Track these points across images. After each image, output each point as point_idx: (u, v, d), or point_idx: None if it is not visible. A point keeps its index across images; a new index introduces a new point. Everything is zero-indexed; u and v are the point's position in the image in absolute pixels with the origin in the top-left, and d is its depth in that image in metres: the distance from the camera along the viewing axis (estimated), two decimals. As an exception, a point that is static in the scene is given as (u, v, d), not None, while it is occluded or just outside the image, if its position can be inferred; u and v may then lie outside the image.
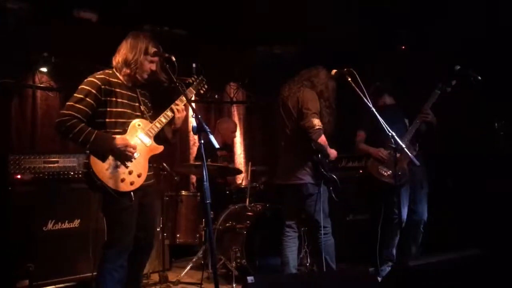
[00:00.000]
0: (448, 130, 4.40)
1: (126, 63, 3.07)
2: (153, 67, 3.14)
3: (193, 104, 3.29)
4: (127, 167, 2.98)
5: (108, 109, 3.01)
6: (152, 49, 3.09)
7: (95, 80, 3.00)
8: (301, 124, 3.60)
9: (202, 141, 2.71)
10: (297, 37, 5.64)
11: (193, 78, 3.45)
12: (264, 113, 6.69)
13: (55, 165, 4.11)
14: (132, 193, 2.98)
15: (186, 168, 5.16)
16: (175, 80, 2.97)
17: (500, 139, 3.95)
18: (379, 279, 3.30)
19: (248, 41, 5.76)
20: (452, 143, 4.64)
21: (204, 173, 2.63)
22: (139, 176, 3.02)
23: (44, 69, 5.17)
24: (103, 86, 2.99)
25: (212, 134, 2.71)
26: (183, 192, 4.98)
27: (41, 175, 4.02)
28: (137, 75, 3.11)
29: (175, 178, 4.90)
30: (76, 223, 4.09)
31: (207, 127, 2.70)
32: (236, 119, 6.71)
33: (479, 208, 4.31)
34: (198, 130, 2.70)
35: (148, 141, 3.12)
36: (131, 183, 2.98)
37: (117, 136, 2.98)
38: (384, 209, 4.18)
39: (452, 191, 4.65)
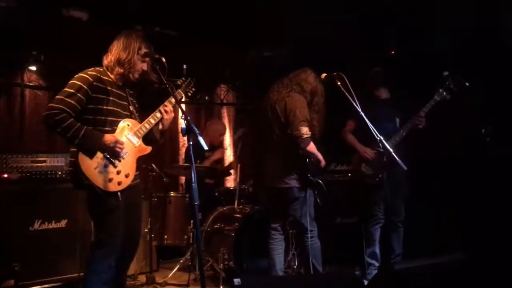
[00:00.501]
0: (435, 134, 4.44)
1: (120, 62, 3.05)
2: (145, 67, 3.13)
3: (183, 106, 3.28)
4: (115, 166, 2.96)
5: (99, 106, 2.98)
6: (144, 49, 3.08)
7: (87, 76, 2.96)
8: (289, 133, 3.59)
9: (191, 143, 2.71)
10: (287, 40, 5.66)
11: (181, 80, 3.44)
12: (254, 115, 6.70)
13: (43, 164, 4.09)
14: (119, 193, 2.97)
15: (175, 169, 5.16)
16: (165, 81, 2.98)
17: (486, 145, 3.99)
18: (365, 282, 3.33)
19: (239, 43, 5.76)
20: (439, 147, 4.68)
21: (193, 175, 2.63)
22: (126, 176, 3.02)
23: (33, 68, 5.13)
24: (94, 83, 2.96)
25: (201, 135, 2.72)
26: (172, 193, 4.96)
27: (28, 174, 4.00)
28: (130, 75, 3.10)
29: (164, 179, 4.89)
30: (63, 223, 4.07)
31: (196, 129, 2.70)
32: (226, 120, 6.72)
33: (465, 212, 4.35)
34: (187, 132, 2.70)
35: (137, 141, 3.11)
36: (119, 183, 2.97)
37: (106, 134, 2.96)
38: (366, 208, 4.25)
39: (438, 195, 4.69)
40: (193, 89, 3.51)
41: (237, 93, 6.79)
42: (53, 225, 4.03)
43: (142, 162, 4.96)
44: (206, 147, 2.69)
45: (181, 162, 5.96)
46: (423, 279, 2.85)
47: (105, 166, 2.93)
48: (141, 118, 3.21)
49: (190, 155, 2.67)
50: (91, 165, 2.89)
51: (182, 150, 6.26)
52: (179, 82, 3.43)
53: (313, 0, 4.68)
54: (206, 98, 6.54)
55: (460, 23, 4.43)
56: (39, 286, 3.92)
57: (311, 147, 3.59)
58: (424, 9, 4.61)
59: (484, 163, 4.13)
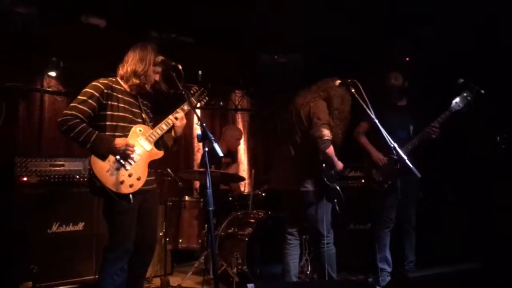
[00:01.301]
0: (450, 142, 4.42)
1: (136, 74, 3.17)
2: (157, 77, 3.25)
3: (198, 112, 3.33)
4: (126, 169, 3.04)
5: (109, 112, 3.10)
6: (158, 60, 3.19)
7: (99, 84, 3.11)
8: (311, 133, 3.63)
9: (206, 149, 2.76)
10: (302, 46, 5.69)
11: (194, 89, 3.52)
12: (268, 121, 6.73)
13: (61, 168, 4.16)
14: (131, 195, 3.03)
15: (190, 174, 5.20)
16: (181, 88, 3.03)
17: (501, 153, 3.97)
18: (379, 289, 3.34)
19: (254, 49, 5.81)
20: (454, 156, 4.66)
21: (208, 181, 2.67)
22: (138, 179, 3.08)
23: (52, 74, 5.23)
24: (105, 90, 3.09)
25: (217, 141, 2.76)
26: (187, 198, 5.00)
27: (47, 178, 4.08)
28: (145, 85, 3.22)
29: (179, 183, 4.94)
30: (80, 226, 4.14)
31: (211, 135, 2.74)
32: (240, 126, 6.76)
33: (478, 221, 4.32)
34: (203, 138, 2.74)
35: (149, 146, 3.19)
36: (130, 186, 3.04)
37: (117, 138, 3.06)
38: (377, 213, 4.28)
39: (452, 203, 4.67)
40: (206, 98, 3.60)
41: (252, 99, 6.82)
42: (70, 228, 4.09)
43: (157, 166, 5.04)
44: (221, 154, 2.73)
45: (195, 167, 6.00)
46: (436, 287, 2.85)
47: (117, 169, 3.01)
48: (155, 126, 3.28)
49: (206, 161, 2.71)
50: (103, 168, 2.99)
51: (197, 155, 6.31)
52: (192, 91, 3.50)
53: (327, 6, 4.71)
54: (221, 103, 6.60)
55: (473, 27, 4.41)
56: (56, 288, 3.99)
57: (330, 150, 3.62)
58: (438, 13, 4.61)
59: (499, 171, 4.10)
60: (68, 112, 3.00)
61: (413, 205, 4.34)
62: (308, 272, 4.55)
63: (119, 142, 3.02)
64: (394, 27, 4.97)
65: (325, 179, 3.64)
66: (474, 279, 2.91)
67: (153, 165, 3.27)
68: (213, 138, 2.75)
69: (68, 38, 4.89)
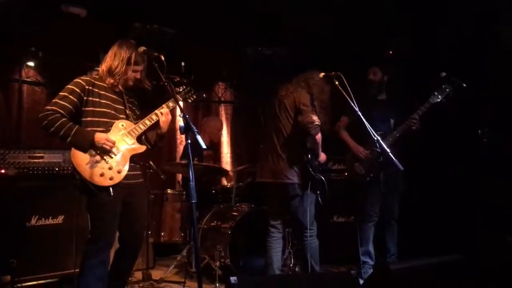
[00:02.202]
0: (432, 135, 4.46)
1: (110, 72, 3.18)
2: (138, 75, 3.23)
3: (181, 103, 3.29)
4: (107, 162, 3.04)
5: (91, 108, 3.11)
6: (136, 58, 3.16)
7: (80, 81, 3.12)
8: (300, 120, 3.64)
9: (189, 141, 2.72)
10: (286, 39, 5.67)
11: (182, 87, 3.54)
12: (251, 114, 6.70)
13: (40, 160, 4.08)
14: (111, 188, 3.02)
15: (172, 167, 5.16)
16: (164, 79, 2.98)
17: (483, 146, 4.02)
18: (361, 281, 3.35)
19: (237, 41, 5.77)
20: (435, 148, 4.71)
21: (190, 173, 2.64)
22: (119, 172, 3.07)
23: (31, 64, 5.14)
24: (87, 87, 3.11)
25: (199, 133, 2.73)
26: (169, 191, 4.98)
27: (25, 170, 3.99)
28: (120, 85, 3.21)
29: (161, 176, 4.90)
30: (60, 219, 4.07)
31: (194, 127, 2.71)
32: (223, 118, 6.73)
33: (460, 213, 4.38)
34: (185, 130, 2.71)
35: (130, 141, 3.18)
36: (111, 178, 3.03)
37: (98, 132, 3.05)
38: (360, 206, 4.32)
39: (434, 196, 4.72)
40: (194, 96, 3.60)
41: (235, 91, 6.79)
42: (50, 221, 4.02)
43: (139, 159, 4.99)
44: (204, 146, 2.69)
45: (178, 160, 5.96)
46: (418, 279, 2.87)
47: (97, 162, 3.02)
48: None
49: (188, 153, 2.68)
50: (84, 160, 3.00)
51: (180, 148, 6.27)
52: (180, 89, 3.52)
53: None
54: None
55: (459, 23, 4.44)
56: (36, 282, 3.92)
57: (319, 136, 3.65)
58: (423, 8, 4.63)
59: (481, 164, 4.15)
60: (49, 107, 3.02)
61: (396, 198, 4.38)
62: (291, 265, 4.57)
63: (99, 136, 3.02)
64: (380, 21, 4.98)
65: (311, 169, 3.64)
66: (455, 271, 2.94)
67: (133, 159, 3.23)
68: (196, 130, 2.71)
69: (47, 27, 4.79)
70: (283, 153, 3.75)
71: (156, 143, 3.39)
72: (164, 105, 3.29)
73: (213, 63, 6.06)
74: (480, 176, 4.20)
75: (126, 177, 3.11)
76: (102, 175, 3.00)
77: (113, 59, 3.16)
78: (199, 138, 2.67)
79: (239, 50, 6.02)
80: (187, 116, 2.75)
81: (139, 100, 3.42)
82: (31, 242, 3.90)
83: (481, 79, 4.16)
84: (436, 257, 3.04)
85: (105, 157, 3.04)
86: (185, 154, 5.21)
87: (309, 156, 3.67)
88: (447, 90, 4.03)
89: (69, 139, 2.97)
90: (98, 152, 3.02)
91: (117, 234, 3.23)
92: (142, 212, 3.34)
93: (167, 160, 5.98)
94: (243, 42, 5.86)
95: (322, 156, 3.81)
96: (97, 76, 3.21)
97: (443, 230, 4.45)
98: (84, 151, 3.00)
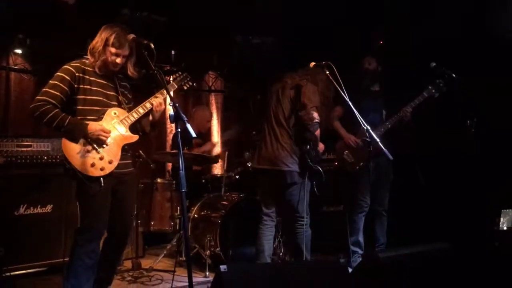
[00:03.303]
0: (421, 127, 4.49)
1: (91, 51, 3.10)
2: (118, 60, 3.10)
3: (171, 93, 3.26)
4: (98, 152, 3.00)
5: (82, 96, 3.05)
6: (114, 40, 3.04)
7: (70, 68, 3.05)
8: (301, 115, 3.64)
9: (179, 130, 2.71)
10: (276, 28, 5.65)
11: (177, 74, 3.48)
12: (241, 103, 6.69)
13: (29, 149, 4.05)
14: (102, 178, 2.99)
15: (162, 156, 5.14)
16: (153, 67, 2.96)
17: (471, 137, 4.05)
18: (350, 269, 3.38)
19: (228, 30, 5.73)
20: (424, 139, 4.73)
21: (180, 162, 2.63)
22: (110, 162, 3.04)
23: (18, 51, 5.07)
24: (77, 74, 3.04)
25: (189, 122, 2.72)
26: (159, 180, 4.96)
27: (13, 159, 3.96)
28: (97, 67, 3.11)
29: (151, 165, 4.88)
30: (49, 208, 4.05)
31: (184, 116, 2.70)
32: (213, 108, 6.71)
33: (448, 203, 4.42)
34: (175, 119, 2.70)
35: (123, 130, 3.14)
36: (101, 169, 3.00)
37: (91, 122, 3.01)
38: (350, 196, 4.35)
39: (423, 186, 4.76)
40: (190, 83, 3.54)
41: (225, 81, 6.76)
42: (38, 210, 4.00)
43: (128, 148, 4.95)
44: (194, 134, 2.69)
45: (168, 149, 5.94)
46: (406, 267, 2.91)
47: (88, 151, 2.98)
48: (134, 107, 3.21)
49: (178, 142, 2.67)
50: (74, 150, 2.96)
51: (169, 137, 6.24)
52: (175, 76, 3.48)
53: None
54: (194, 84, 6.48)
55: (450, 14, 4.45)
56: (24, 271, 3.91)
57: (318, 133, 3.66)
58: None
59: (469, 154, 4.19)
60: (40, 97, 2.96)
61: (386, 188, 4.41)
62: (281, 254, 4.59)
63: (93, 127, 2.98)
64: (370, 11, 4.97)
65: (309, 160, 3.66)
66: (443, 259, 2.98)
67: (124, 148, 3.21)
68: (186, 119, 2.70)
69: (35, 14, 4.71)
70: (282, 141, 3.74)
71: (149, 131, 3.36)
72: (158, 93, 3.24)
73: (203, 52, 6.02)
74: (468, 167, 4.24)
75: (118, 166, 3.09)
76: (93, 165, 2.97)
77: (96, 39, 3.09)
78: (189, 127, 2.66)
79: (230, 39, 5.99)
80: (177, 105, 2.73)
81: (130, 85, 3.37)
82: (19, 231, 3.88)
83: (469, 69, 4.18)
84: (424, 246, 3.08)
85: (96, 147, 3.00)
86: (175, 143, 5.19)
87: (308, 146, 3.68)
88: (441, 85, 4.05)
89: (62, 129, 2.94)
90: (90, 141, 2.98)
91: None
92: (130, 201, 3.33)
93: (156, 149, 5.95)
94: (234, 31, 5.83)
95: (321, 146, 3.82)
96: (86, 61, 3.13)
97: (431, 220, 4.49)
98: (76, 141, 2.96)
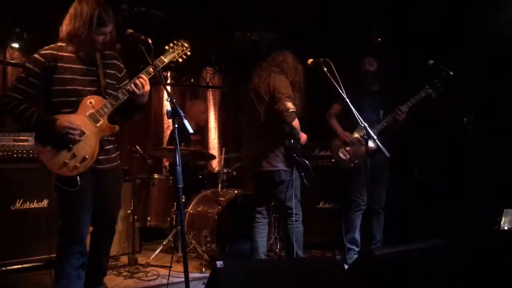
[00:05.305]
0: (418, 123, 4.49)
1: (70, 37, 2.77)
2: (105, 38, 2.82)
3: (168, 88, 3.22)
4: (70, 150, 2.78)
5: (57, 87, 2.81)
6: (99, 17, 2.71)
7: (39, 57, 2.79)
8: (275, 108, 3.62)
9: (176, 126, 2.70)
10: (275, 24, 5.64)
11: (171, 44, 3.06)
12: (239, 99, 6.67)
13: (25, 143, 4.03)
14: (78, 178, 2.79)
15: (159, 152, 5.14)
16: (151, 62, 2.91)
17: (468, 134, 4.06)
18: (346, 266, 3.39)
19: (226, 26, 5.72)
20: (422, 137, 4.74)
21: (177, 158, 2.63)
22: (83, 160, 2.80)
23: (15, 45, 5.04)
24: (47, 63, 2.78)
25: (186, 118, 2.70)
26: (156, 176, 4.95)
27: (10, 153, 3.94)
28: (83, 52, 2.84)
29: (148, 161, 4.87)
30: (45, 203, 4.04)
31: (181, 111, 2.67)
32: (211, 104, 6.71)
33: (445, 200, 4.43)
34: (173, 115, 2.67)
35: (99, 121, 2.86)
36: (74, 168, 2.78)
37: (59, 118, 2.77)
38: (347, 194, 4.36)
39: (418, 182, 4.77)
40: (188, 53, 3.10)
41: (223, 76, 6.75)
42: (34, 204, 3.99)
43: (126, 143, 4.95)
44: (191, 130, 2.67)
45: (165, 144, 5.93)
46: (402, 264, 2.92)
47: (59, 149, 2.77)
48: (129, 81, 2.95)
49: (175, 138, 2.66)
50: (46, 148, 2.78)
51: (167, 132, 6.24)
52: (166, 47, 3.04)
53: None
54: (192, 80, 6.50)
55: (446, 10, 4.45)
56: (20, 266, 3.90)
57: (296, 122, 3.64)
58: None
59: (466, 151, 4.20)
60: (8, 93, 2.80)
61: (383, 186, 4.41)
62: (277, 250, 4.60)
63: (60, 124, 2.73)
64: (369, 7, 4.97)
65: (294, 154, 3.65)
66: (439, 256, 2.99)
67: (121, 143, 3.16)
68: (183, 115, 2.68)
69: (32, 7, 4.68)
70: (264, 140, 3.74)
71: (132, 116, 3.07)
72: (142, 74, 2.87)
73: (201, 47, 5.99)
74: (465, 163, 4.24)
75: (98, 161, 2.88)
76: (64, 164, 2.75)
77: (74, 20, 2.73)
78: (186, 122, 2.63)
79: (228, 34, 5.98)
80: (174, 101, 2.69)
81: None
82: (15, 225, 3.87)
83: (466, 67, 4.18)
84: (420, 243, 3.09)
85: (68, 144, 2.76)
86: (172, 139, 5.18)
87: (291, 140, 3.67)
88: (438, 84, 4.05)
89: (30, 127, 2.77)
90: (61, 140, 2.75)
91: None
92: (115, 195, 3.13)
93: (153, 144, 5.95)
94: (232, 27, 5.81)
95: (303, 137, 3.80)
96: (62, 44, 2.82)
97: (428, 217, 4.50)
98: (44, 141, 2.77)
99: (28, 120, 2.75)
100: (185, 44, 3.09)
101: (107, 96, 2.90)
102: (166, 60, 3.01)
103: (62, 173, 2.79)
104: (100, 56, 2.94)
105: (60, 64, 2.80)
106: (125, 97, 2.88)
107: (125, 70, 3.09)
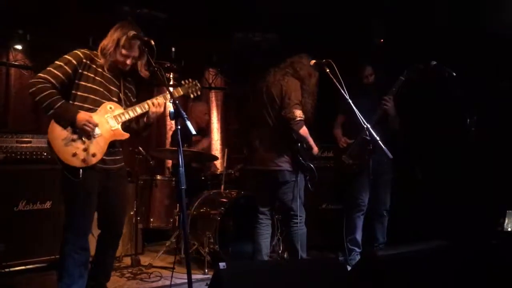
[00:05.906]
0: (421, 125, 4.48)
1: (102, 51, 3.08)
2: (128, 61, 3.11)
3: (171, 89, 3.24)
4: (84, 143, 2.96)
5: (83, 83, 3.02)
6: (124, 42, 3.03)
7: (79, 53, 3.04)
8: (283, 114, 3.63)
9: (179, 127, 2.71)
10: (277, 24, 5.64)
11: (186, 81, 3.42)
12: (242, 100, 6.67)
13: (28, 145, 4.04)
14: (81, 170, 2.93)
15: (161, 153, 5.15)
16: (154, 64, 2.94)
17: (471, 135, 4.05)
18: (349, 267, 3.39)
19: (228, 27, 5.72)
20: (425, 137, 4.73)
21: (180, 159, 2.63)
22: (93, 155, 2.98)
23: (18, 47, 5.05)
24: (84, 60, 3.02)
25: (189, 119, 2.71)
26: (158, 177, 4.96)
27: (13, 154, 3.95)
28: (106, 66, 3.09)
29: (151, 162, 4.88)
30: (48, 204, 4.05)
31: (184, 113, 2.69)
32: (213, 105, 6.71)
33: (448, 201, 4.42)
34: (175, 116, 2.69)
35: (114, 125, 3.08)
36: (83, 160, 2.94)
37: (82, 111, 2.97)
38: (349, 196, 4.35)
39: (421, 183, 4.76)
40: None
41: (226, 78, 6.75)
42: (37, 206, 4.00)
43: (128, 145, 4.96)
44: (194, 132, 2.69)
45: (167, 146, 5.94)
46: (405, 265, 2.91)
47: (73, 140, 2.94)
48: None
49: (178, 139, 2.67)
50: (60, 136, 2.93)
51: (169, 134, 6.24)
52: (183, 82, 3.41)
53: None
54: (199, 93, 6.48)
55: (448, 12, 4.45)
56: (23, 267, 3.90)
57: (304, 130, 3.64)
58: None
59: (469, 152, 4.19)
60: (41, 75, 2.93)
61: (388, 188, 4.40)
62: (280, 252, 4.60)
63: (82, 116, 2.93)
64: (370, 8, 4.96)
65: (300, 158, 3.66)
66: (442, 257, 2.99)
67: (124, 144, 3.20)
68: (186, 116, 2.69)
69: (35, 10, 4.70)
70: (272, 141, 3.75)
71: (141, 132, 3.31)
72: (159, 96, 3.19)
73: (203, 48, 6.01)
74: (468, 164, 4.24)
75: (103, 161, 3.05)
76: (74, 155, 2.92)
77: (108, 39, 3.08)
78: (188, 124, 2.65)
79: (230, 35, 5.98)
80: (176, 102, 2.71)
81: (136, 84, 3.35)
82: (19, 227, 3.88)
83: (469, 67, 4.17)
84: (423, 244, 3.08)
85: (83, 137, 2.95)
86: (174, 140, 5.19)
87: (299, 144, 3.67)
88: (420, 67, 4.05)
89: (51, 111, 2.88)
90: (77, 131, 2.94)
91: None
92: (121, 197, 3.27)
93: (156, 146, 5.95)
94: (233, 28, 5.82)
95: (315, 150, 3.79)
96: (97, 53, 3.12)
97: (431, 218, 4.49)
98: (64, 126, 2.93)
99: (53, 103, 2.88)
100: (198, 84, 3.47)
101: (124, 107, 3.16)
102: (181, 92, 3.37)
103: (71, 162, 2.92)
104: (123, 78, 3.22)
105: (94, 66, 3.06)
106: (142, 112, 3.15)
107: (136, 100, 3.33)
